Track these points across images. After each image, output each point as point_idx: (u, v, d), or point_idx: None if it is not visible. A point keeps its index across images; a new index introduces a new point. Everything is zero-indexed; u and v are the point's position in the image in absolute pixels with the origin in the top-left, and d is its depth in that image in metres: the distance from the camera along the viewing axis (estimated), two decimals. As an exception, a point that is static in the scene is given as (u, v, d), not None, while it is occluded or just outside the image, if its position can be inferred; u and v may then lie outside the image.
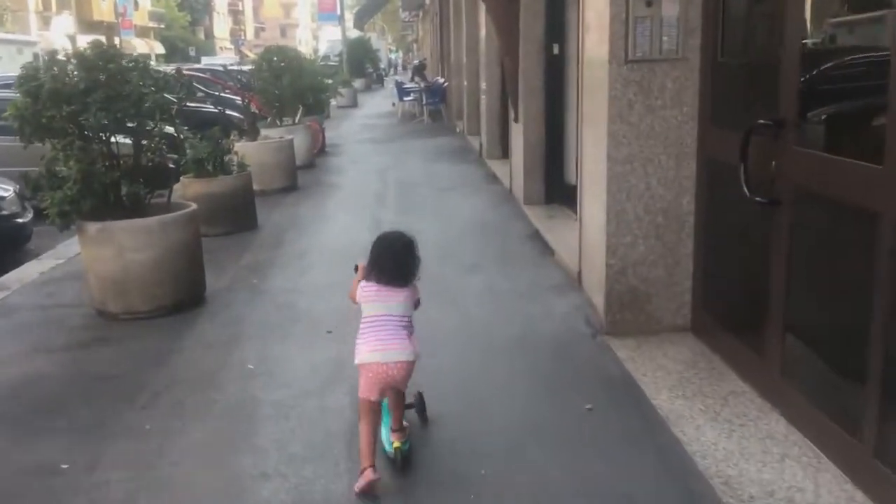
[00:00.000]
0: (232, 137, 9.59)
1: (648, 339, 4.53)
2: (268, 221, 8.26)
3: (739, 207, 3.89)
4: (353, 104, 26.71)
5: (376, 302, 3.21)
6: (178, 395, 4.08)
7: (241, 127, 10.89)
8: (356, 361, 3.15)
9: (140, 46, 52.21)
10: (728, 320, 4.22)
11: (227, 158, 8.05)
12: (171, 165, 7.82)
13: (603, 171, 4.56)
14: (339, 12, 37.58)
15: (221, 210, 7.67)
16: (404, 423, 3.40)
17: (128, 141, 5.40)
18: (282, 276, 6.24)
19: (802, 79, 3.34)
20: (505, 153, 11.26)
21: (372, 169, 12.04)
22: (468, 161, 12.33)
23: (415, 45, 60.28)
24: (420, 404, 3.64)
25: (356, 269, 3.41)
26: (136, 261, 5.20)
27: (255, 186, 8.64)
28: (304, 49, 54.10)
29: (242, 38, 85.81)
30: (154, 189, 5.64)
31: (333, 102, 19.06)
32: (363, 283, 3.27)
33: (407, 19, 49.95)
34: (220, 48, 71.75)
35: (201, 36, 65.71)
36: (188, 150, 7.67)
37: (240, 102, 12.90)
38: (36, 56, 5.80)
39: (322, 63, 19.34)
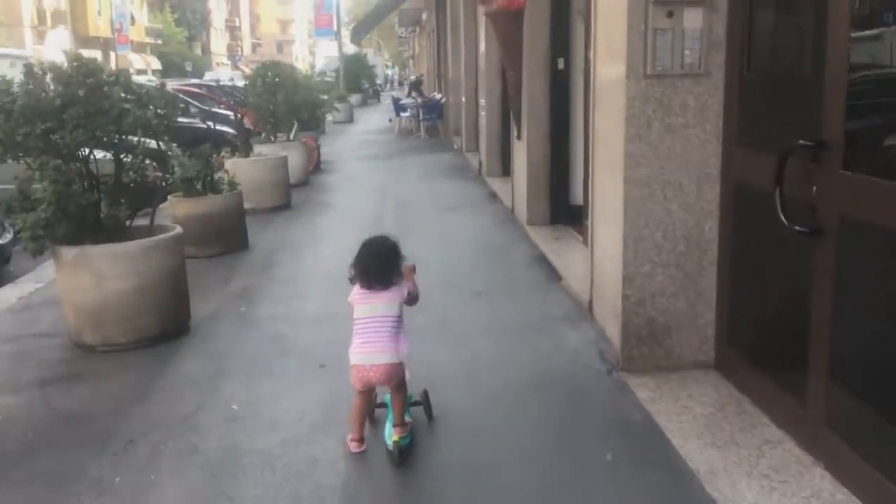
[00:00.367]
0: (223, 154, 9.23)
1: (669, 378, 4.16)
2: (259, 242, 7.89)
3: (772, 235, 3.56)
4: (350, 120, 26.44)
5: (362, 304, 3.46)
6: (155, 440, 3.70)
7: (234, 143, 10.56)
8: (350, 362, 3.44)
9: (136, 62, 52.05)
10: (759, 359, 3.86)
11: (217, 176, 7.70)
12: (162, 182, 7.55)
13: (619, 195, 4.22)
14: (335, 28, 37.41)
15: (210, 231, 7.32)
16: (407, 419, 3.55)
17: (110, 156, 5.05)
18: (271, 302, 5.86)
19: (849, 94, 3.00)
20: (505, 171, 10.93)
21: (368, 187, 11.70)
22: (467, 179, 12.00)
23: (411, 61, 60.19)
24: (426, 401, 3.77)
25: (351, 280, 3.59)
26: (116, 289, 4.83)
27: (247, 205, 8.29)
28: (301, 65, 53.99)
29: (239, 53, 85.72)
30: (137, 209, 5.29)
31: (329, 118, 18.76)
32: (355, 287, 3.51)
33: (403, 35, 49.85)
34: (217, 64, 71.56)
35: (198, 51, 65.47)
36: (176, 169, 7.32)
37: (233, 118, 12.58)
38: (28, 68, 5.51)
39: (318, 78, 19.03)
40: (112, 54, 49.08)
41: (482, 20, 11.07)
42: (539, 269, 6.41)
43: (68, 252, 4.82)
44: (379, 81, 51.20)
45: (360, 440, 3.49)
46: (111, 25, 48.74)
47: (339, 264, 6.69)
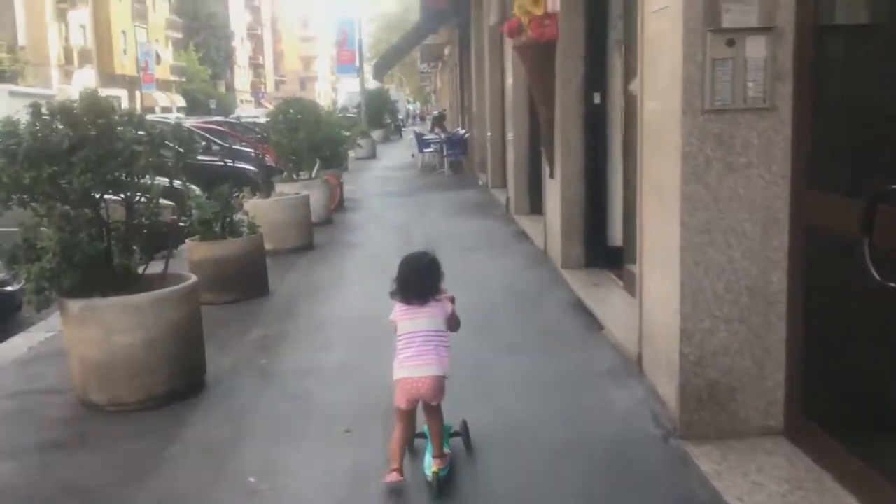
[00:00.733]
0: (242, 195, 8.93)
1: (734, 447, 3.72)
2: (280, 287, 7.54)
3: (855, 288, 3.13)
4: (372, 155, 26.30)
5: (405, 320, 3.47)
6: (162, 521, 3.31)
7: (256, 180, 10.30)
8: (394, 378, 3.43)
9: (161, 100, 52.64)
10: (841, 428, 3.41)
11: (236, 218, 7.39)
12: (181, 223, 7.24)
13: (674, 241, 3.81)
14: (357, 64, 37.49)
15: (229, 275, 6.98)
16: (446, 450, 3.55)
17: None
18: (294, 354, 5.48)
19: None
20: (534, 208, 10.57)
21: (393, 225, 11.35)
22: (494, 216, 11.62)
23: (433, 96, 60.35)
24: (465, 432, 3.77)
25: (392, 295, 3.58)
26: (125, 344, 4.48)
27: (268, 246, 7.98)
28: (324, 101, 54.27)
29: (263, 91, 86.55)
30: (151, 255, 4.97)
31: (352, 154, 18.55)
32: (397, 304, 3.52)
33: (425, 70, 49.97)
34: (241, 101, 72.22)
35: (222, 89, 66.11)
36: (193, 211, 7.01)
37: (253, 155, 12.37)
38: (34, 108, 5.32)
39: (340, 114, 18.85)
40: (137, 93, 49.70)
41: (509, 54, 10.80)
42: (577, 317, 5.99)
43: (74, 305, 4.49)
44: (401, 117, 51.31)
45: (400, 471, 3.36)
46: (137, 64, 49.37)
47: (367, 311, 6.40)
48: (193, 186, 8.79)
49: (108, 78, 46.90)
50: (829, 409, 3.58)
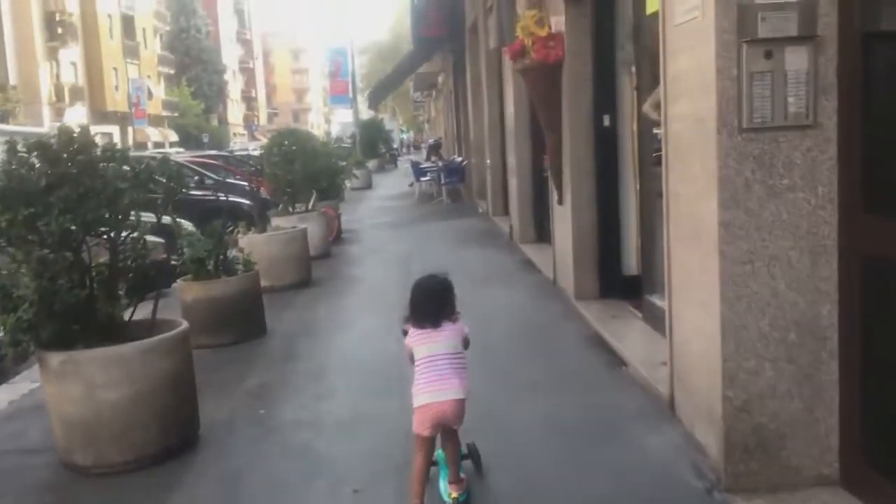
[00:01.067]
0: (237, 231, 8.57)
1: (786, 499, 3.37)
2: (278, 327, 7.15)
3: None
4: (368, 185, 26.02)
5: (422, 345, 3.41)
6: None
7: (251, 214, 9.96)
8: (414, 405, 3.35)
9: (153, 135, 52.46)
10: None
11: (230, 255, 7.03)
12: (172, 261, 6.88)
13: (711, 273, 3.47)
14: (351, 94, 37.36)
15: (224, 316, 6.60)
16: (462, 475, 3.54)
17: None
18: (295, 403, 5.08)
19: None
20: (540, 236, 10.24)
21: (393, 257, 10.99)
22: (498, 245, 11.27)
23: (426, 125, 60.30)
24: (474, 454, 3.71)
25: (404, 333, 3.51)
26: (110, 400, 4.09)
27: (264, 282, 7.61)
28: (317, 132, 54.14)
29: (256, 123, 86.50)
30: (138, 299, 4.60)
31: (347, 184, 18.25)
32: (411, 329, 3.46)
33: (418, 99, 49.90)
34: (234, 134, 72.12)
35: (215, 122, 65.96)
36: (185, 249, 6.65)
37: (248, 188, 12.04)
38: (10, 146, 5.01)
39: (335, 145, 18.56)
40: (129, 129, 49.52)
41: (508, 78, 10.53)
42: (596, 353, 5.61)
43: (54, 358, 4.11)
44: (395, 146, 51.18)
45: (421, 501, 3.36)
46: (128, 100, 49.20)
47: (371, 352, 6.01)
48: (186, 222, 8.48)
49: (100, 115, 46.71)
50: (890, 456, 3.21)
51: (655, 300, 5.67)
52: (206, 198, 11.71)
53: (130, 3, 52.20)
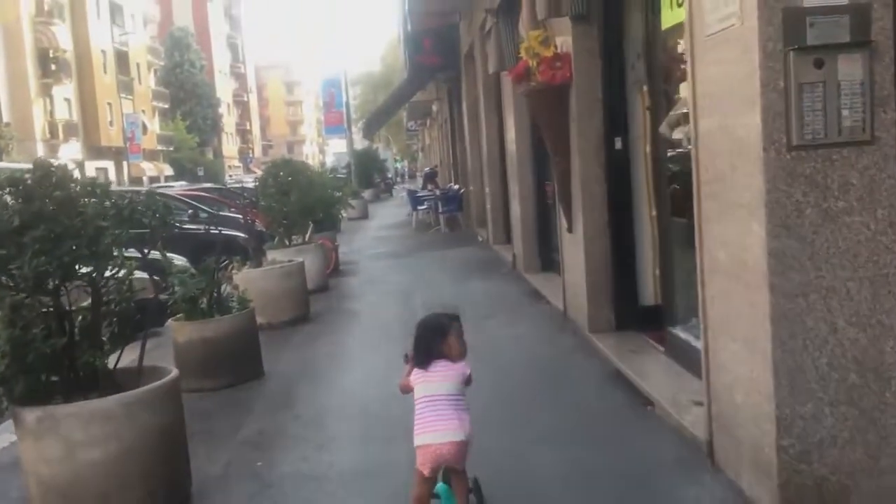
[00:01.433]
0: (232, 267, 8.19)
1: (855, 562, 2.96)
2: (276, 367, 6.74)
3: None
4: (364, 215, 25.73)
5: (422, 384, 3.34)
6: None
7: (246, 248, 9.58)
8: (415, 444, 3.27)
9: (149, 169, 52.23)
10: None
11: (225, 292, 6.66)
12: (163, 296, 6.48)
13: (762, 310, 3.11)
14: (345, 125, 37.23)
15: (219, 358, 6.21)
16: None
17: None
18: (295, 455, 4.67)
19: None
20: (545, 265, 9.88)
21: (393, 290, 10.62)
22: (501, 275, 10.88)
23: (420, 154, 60.17)
24: (477, 490, 3.55)
25: (406, 358, 3.46)
26: (91, 460, 3.69)
27: (261, 319, 7.25)
28: (312, 162, 53.99)
29: (251, 156, 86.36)
30: (123, 345, 4.21)
31: (344, 214, 17.93)
32: (416, 369, 3.38)
33: (412, 128, 49.81)
34: (229, 167, 71.96)
35: (210, 156, 65.79)
36: (177, 287, 6.27)
37: (242, 221, 11.66)
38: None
39: (331, 175, 18.27)
40: (124, 163, 49.29)
41: (510, 103, 10.23)
42: (618, 392, 5.21)
43: (29, 414, 3.71)
44: (390, 175, 51.00)
45: None
46: (123, 135, 49.00)
47: (376, 395, 5.59)
48: (178, 257, 8.10)
49: (95, 150, 46.49)
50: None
51: (679, 332, 5.31)
52: (200, 231, 11.35)
53: (124, 39, 52.20)
